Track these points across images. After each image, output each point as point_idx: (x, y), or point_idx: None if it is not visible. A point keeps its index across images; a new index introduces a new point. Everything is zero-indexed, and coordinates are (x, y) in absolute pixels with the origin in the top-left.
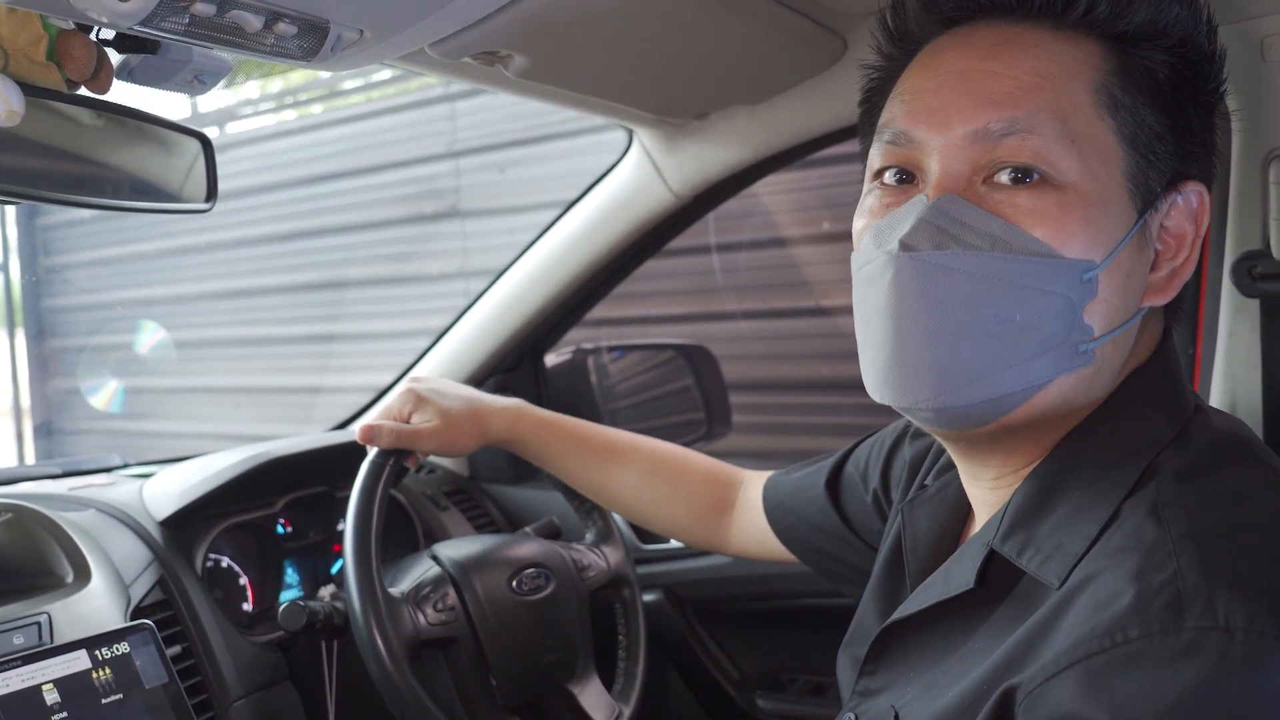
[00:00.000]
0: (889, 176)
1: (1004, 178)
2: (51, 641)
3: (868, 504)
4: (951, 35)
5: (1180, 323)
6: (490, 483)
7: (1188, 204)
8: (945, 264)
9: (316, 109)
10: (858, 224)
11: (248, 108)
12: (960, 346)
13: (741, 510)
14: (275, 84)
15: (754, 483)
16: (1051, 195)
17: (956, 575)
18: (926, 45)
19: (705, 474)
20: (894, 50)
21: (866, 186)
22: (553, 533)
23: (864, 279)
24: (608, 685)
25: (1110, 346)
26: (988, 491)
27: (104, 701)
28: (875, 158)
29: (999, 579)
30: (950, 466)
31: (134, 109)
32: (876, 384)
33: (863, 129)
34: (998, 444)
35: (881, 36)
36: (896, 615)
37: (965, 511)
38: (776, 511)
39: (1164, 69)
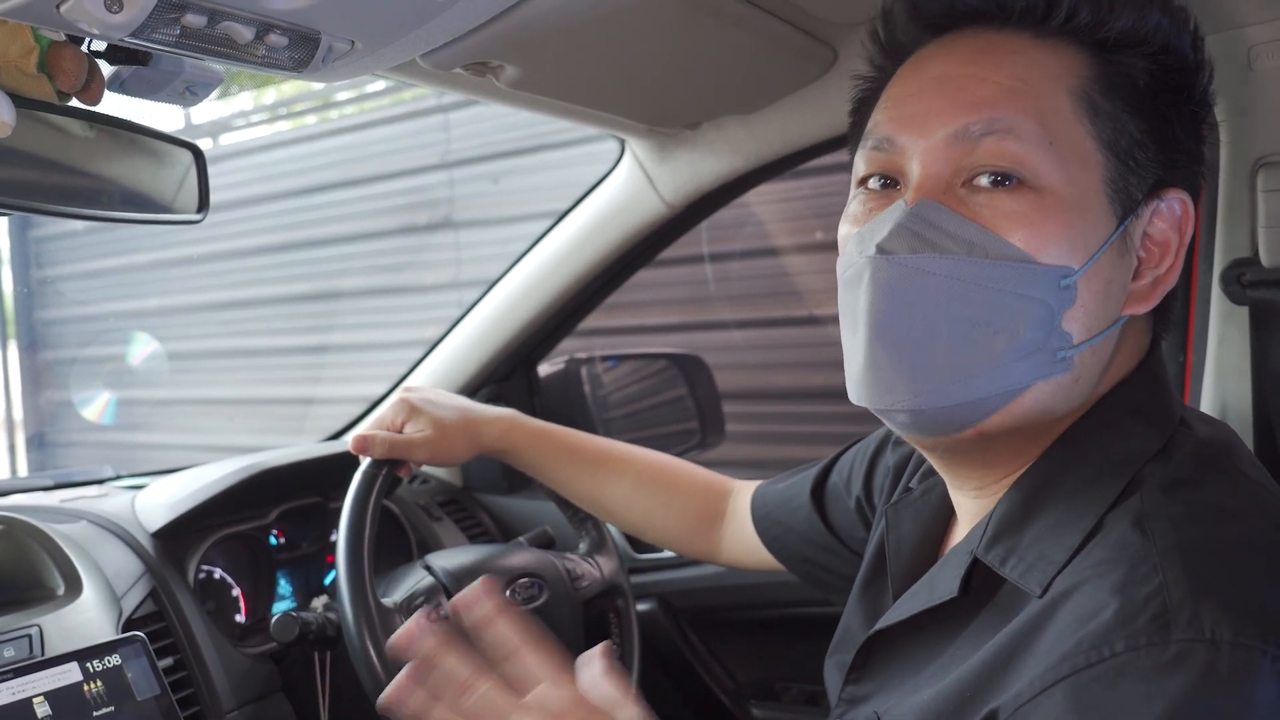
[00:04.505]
0: (873, 182)
1: (983, 180)
2: (43, 654)
3: (851, 511)
4: (936, 44)
5: (1169, 332)
6: (483, 493)
7: (1171, 211)
8: (920, 266)
9: (310, 120)
10: (843, 230)
11: (241, 119)
12: (935, 349)
13: (731, 520)
14: (269, 95)
15: (743, 492)
16: (1029, 198)
17: (941, 584)
18: (913, 55)
19: (697, 484)
20: (884, 61)
21: (852, 193)
22: (546, 542)
23: (845, 283)
24: None
25: (1090, 354)
26: (971, 499)
27: (95, 714)
28: (860, 164)
29: (982, 587)
30: (935, 470)
31: (126, 120)
32: (854, 386)
33: (852, 138)
34: (976, 454)
35: (872, 47)
36: (881, 624)
37: (949, 515)
38: (764, 522)
39: (1144, 75)
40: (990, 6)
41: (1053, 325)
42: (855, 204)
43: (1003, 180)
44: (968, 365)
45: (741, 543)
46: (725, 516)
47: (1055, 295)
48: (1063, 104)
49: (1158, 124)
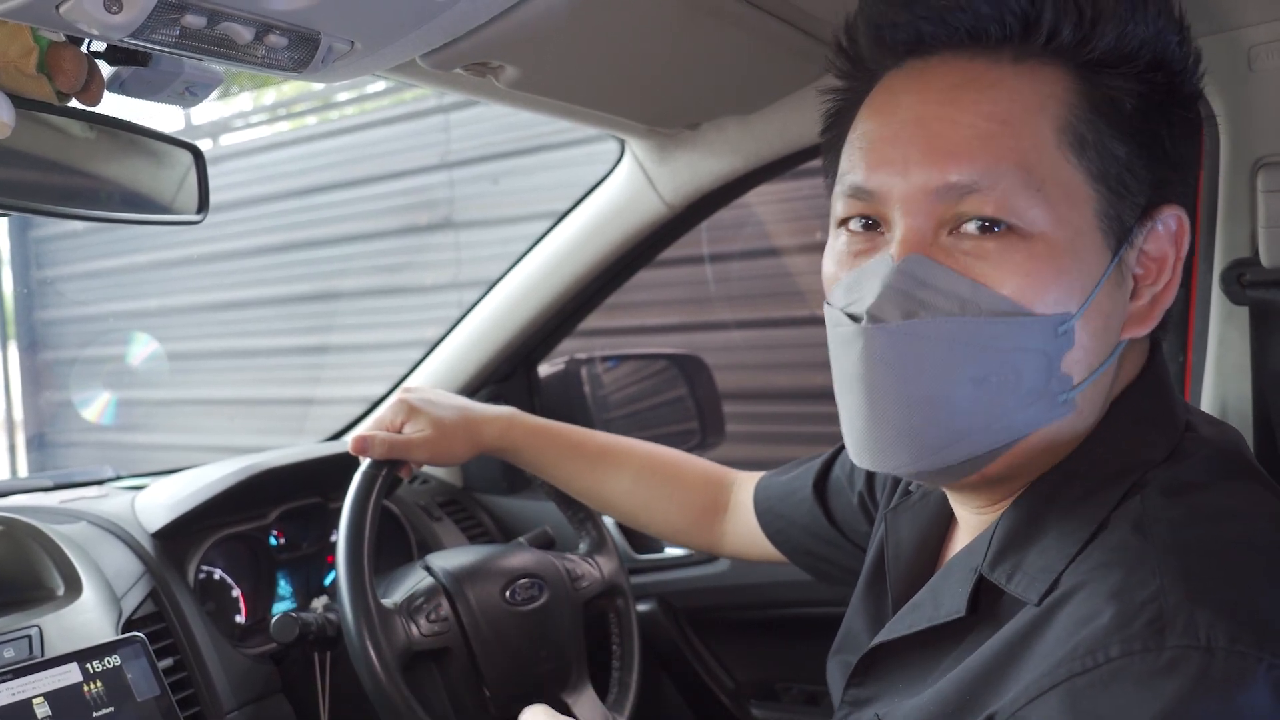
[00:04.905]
0: (854, 224)
1: (971, 228)
2: (42, 655)
3: (854, 506)
4: (908, 72)
5: (1168, 335)
6: (483, 493)
7: (1166, 229)
8: (914, 333)
9: (310, 121)
10: (828, 268)
11: (241, 120)
12: (934, 413)
13: (734, 512)
14: (268, 96)
15: (745, 484)
16: (1020, 246)
17: (946, 600)
18: (884, 77)
19: (699, 476)
20: (853, 78)
21: (833, 231)
22: (546, 543)
23: (836, 342)
24: (602, 696)
25: (1091, 388)
26: (974, 514)
27: (95, 715)
28: (838, 205)
29: (985, 598)
30: None
31: (125, 121)
32: (855, 449)
33: (826, 154)
34: (982, 488)
35: (839, 61)
36: (885, 637)
37: (948, 519)
38: (767, 515)
39: (1132, 97)
40: (960, 35)
41: (1052, 371)
42: (840, 243)
43: (990, 226)
44: (968, 423)
45: (744, 535)
46: (728, 509)
47: (1053, 343)
48: (1047, 140)
49: (1147, 144)
